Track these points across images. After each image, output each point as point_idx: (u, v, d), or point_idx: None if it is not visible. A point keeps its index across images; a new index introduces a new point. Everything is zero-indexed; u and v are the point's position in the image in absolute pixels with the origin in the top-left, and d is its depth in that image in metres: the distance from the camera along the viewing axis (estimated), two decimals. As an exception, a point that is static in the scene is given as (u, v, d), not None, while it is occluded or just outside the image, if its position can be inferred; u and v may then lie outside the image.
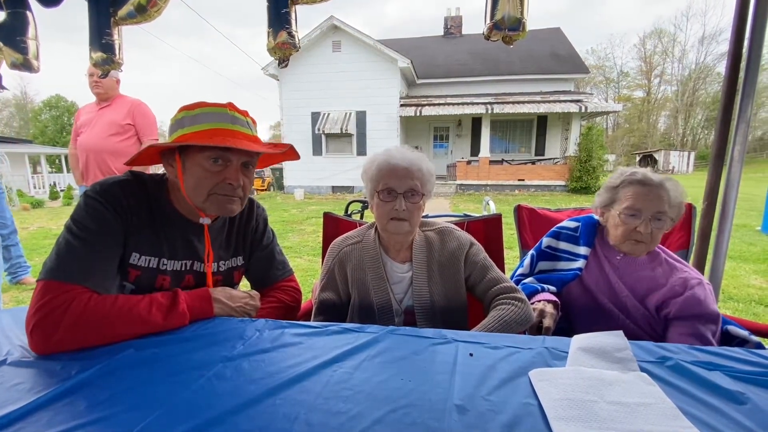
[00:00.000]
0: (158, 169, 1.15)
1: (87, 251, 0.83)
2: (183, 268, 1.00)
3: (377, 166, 1.09)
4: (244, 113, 0.96)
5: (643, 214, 1.12)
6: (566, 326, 1.26)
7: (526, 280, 1.32)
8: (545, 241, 1.35)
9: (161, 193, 0.98)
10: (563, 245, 1.32)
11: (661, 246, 1.23)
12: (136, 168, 0.97)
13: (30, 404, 0.58)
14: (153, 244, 0.95)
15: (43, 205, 11.90)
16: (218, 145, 0.87)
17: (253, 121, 1.00)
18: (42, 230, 7.18)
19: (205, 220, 0.99)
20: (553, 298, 1.21)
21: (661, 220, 1.12)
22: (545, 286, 1.26)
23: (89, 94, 2.65)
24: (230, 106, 0.94)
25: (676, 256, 1.22)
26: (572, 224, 1.32)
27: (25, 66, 1.61)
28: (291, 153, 1.06)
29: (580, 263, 1.24)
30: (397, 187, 1.06)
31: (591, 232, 1.27)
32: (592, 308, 1.21)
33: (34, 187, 16.46)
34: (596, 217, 1.29)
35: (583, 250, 1.25)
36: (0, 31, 1.58)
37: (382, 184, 1.07)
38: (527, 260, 1.37)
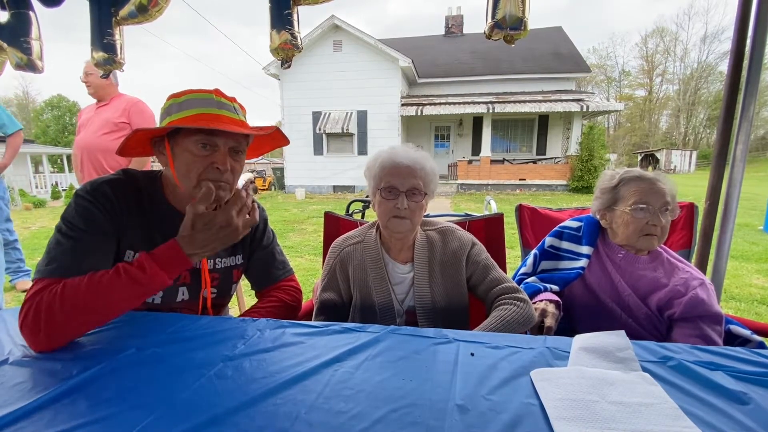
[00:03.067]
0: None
1: (76, 248, 0.83)
2: None
3: (380, 164, 1.09)
4: (232, 99, 0.95)
5: (653, 206, 1.13)
6: (568, 326, 1.26)
7: (529, 280, 1.32)
8: (548, 240, 1.35)
9: (155, 189, 0.98)
10: (566, 245, 1.32)
11: (662, 245, 1.22)
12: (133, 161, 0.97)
13: (31, 404, 0.58)
14: (147, 240, 0.95)
15: (44, 205, 11.93)
16: (203, 128, 0.86)
17: (242, 107, 0.98)
18: (43, 230, 7.21)
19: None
20: (555, 297, 1.21)
21: (668, 211, 1.13)
22: (548, 285, 1.26)
23: (90, 95, 2.65)
24: (216, 92, 0.93)
25: (677, 255, 1.22)
26: (575, 224, 1.32)
27: (30, 66, 1.61)
28: (280, 138, 1.04)
29: (582, 262, 1.24)
30: (399, 186, 1.06)
31: (593, 231, 1.27)
32: (594, 307, 1.21)
33: (36, 187, 16.50)
34: (597, 218, 1.29)
35: (585, 249, 1.25)
36: (3, 32, 1.58)
37: (384, 182, 1.07)
38: (530, 260, 1.37)
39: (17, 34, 1.57)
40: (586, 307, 1.23)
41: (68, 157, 19.25)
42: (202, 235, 0.84)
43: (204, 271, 1.03)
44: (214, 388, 0.63)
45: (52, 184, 15.49)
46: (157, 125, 0.94)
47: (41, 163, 18.34)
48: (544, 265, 1.35)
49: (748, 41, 1.43)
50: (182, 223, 0.85)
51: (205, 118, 0.88)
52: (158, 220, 0.97)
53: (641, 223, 1.13)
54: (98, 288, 0.79)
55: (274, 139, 1.05)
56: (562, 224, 1.35)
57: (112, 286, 0.79)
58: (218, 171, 0.91)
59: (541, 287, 1.25)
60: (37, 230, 7.19)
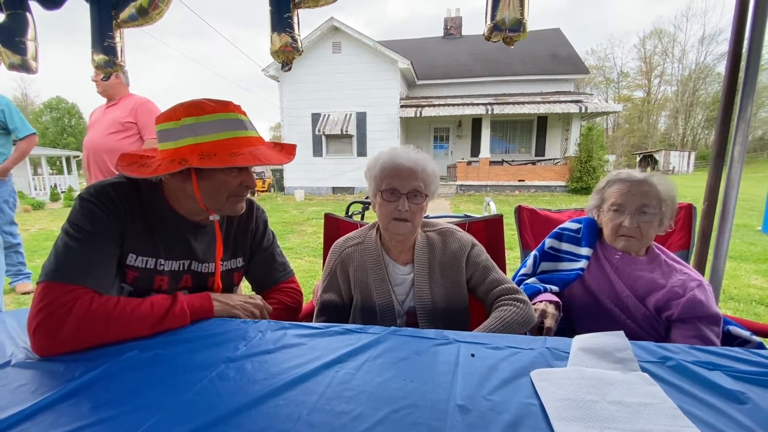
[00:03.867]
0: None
1: (85, 251, 0.84)
2: (181, 268, 1.00)
3: (381, 166, 1.09)
4: (244, 112, 0.96)
5: (627, 209, 1.15)
6: (567, 326, 1.27)
7: (529, 281, 1.32)
8: (548, 242, 1.36)
9: (156, 194, 0.98)
10: (565, 246, 1.33)
11: (660, 247, 1.23)
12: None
13: (34, 406, 0.58)
14: (149, 244, 0.96)
15: (43, 207, 11.91)
16: (248, 160, 0.89)
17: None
18: (42, 232, 7.20)
19: (215, 217, 1.02)
20: (555, 298, 1.21)
21: (646, 214, 1.14)
22: (548, 286, 1.26)
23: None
24: (236, 108, 0.94)
25: (675, 257, 1.22)
26: (574, 225, 1.33)
27: (24, 67, 1.61)
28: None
29: (582, 263, 1.24)
30: (400, 188, 1.06)
31: (593, 232, 1.28)
32: (593, 308, 1.22)
33: (35, 189, 16.47)
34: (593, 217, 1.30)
35: (585, 250, 1.26)
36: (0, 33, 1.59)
37: (385, 184, 1.07)
38: (530, 260, 1.38)
39: (13, 35, 1.57)
40: (586, 308, 1.24)
41: (67, 159, 19.22)
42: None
43: (217, 277, 1.05)
44: (216, 390, 0.63)
45: (50, 186, 15.46)
46: (169, 139, 0.90)
47: (40, 165, 18.31)
48: (544, 266, 1.35)
49: (745, 43, 1.44)
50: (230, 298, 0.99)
51: (240, 143, 0.91)
52: (159, 223, 0.97)
53: (615, 224, 1.17)
54: (131, 316, 0.82)
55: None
56: (561, 226, 1.36)
57: (142, 318, 0.83)
58: (247, 188, 0.97)
59: (541, 288, 1.25)
60: (36, 232, 7.19)
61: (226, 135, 0.90)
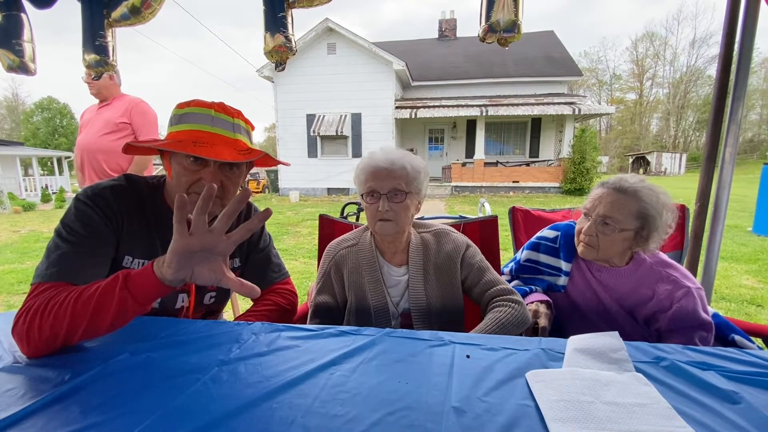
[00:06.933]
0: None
1: (75, 252, 0.82)
2: None
3: (362, 169, 1.10)
4: (235, 114, 0.94)
5: (591, 215, 1.11)
6: (558, 327, 1.26)
7: (512, 283, 1.30)
8: (525, 254, 1.32)
9: (156, 194, 0.98)
10: (544, 258, 1.28)
11: None
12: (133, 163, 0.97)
13: (23, 410, 0.57)
14: (147, 246, 0.95)
15: (34, 208, 11.77)
16: (188, 149, 0.85)
17: (247, 122, 0.97)
18: (33, 233, 7.09)
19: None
20: (545, 297, 1.20)
21: (607, 225, 1.07)
22: (533, 287, 1.25)
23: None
24: (217, 106, 0.92)
25: (666, 259, 1.16)
26: (551, 233, 1.27)
27: (22, 68, 1.60)
28: (269, 159, 1.02)
29: (563, 280, 1.21)
30: (379, 188, 1.06)
31: (570, 242, 1.22)
32: (580, 323, 1.19)
33: (26, 190, 16.27)
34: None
35: (564, 264, 1.22)
36: (-4, 34, 1.57)
37: (366, 187, 1.08)
38: (506, 270, 1.37)
39: (9, 37, 1.56)
40: (572, 323, 1.21)
41: (58, 160, 19.03)
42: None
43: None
44: (209, 393, 0.62)
45: (41, 187, 15.29)
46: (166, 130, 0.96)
47: (31, 165, 18.10)
48: (524, 279, 1.33)
49: (736, 46, 1.46)
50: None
51: (195, 136, 0.88)
52: (158, 225, 0.96)
53: (578, 228, 1.15)
54: (84, 301, 0.72)
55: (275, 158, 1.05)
56: (538, 234, 1.32)
57: (86, 291, 0.73)
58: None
59: (527, 289, 1.24)
60: (26, 234, 7.08)
61: (189, 127, 0.90)
